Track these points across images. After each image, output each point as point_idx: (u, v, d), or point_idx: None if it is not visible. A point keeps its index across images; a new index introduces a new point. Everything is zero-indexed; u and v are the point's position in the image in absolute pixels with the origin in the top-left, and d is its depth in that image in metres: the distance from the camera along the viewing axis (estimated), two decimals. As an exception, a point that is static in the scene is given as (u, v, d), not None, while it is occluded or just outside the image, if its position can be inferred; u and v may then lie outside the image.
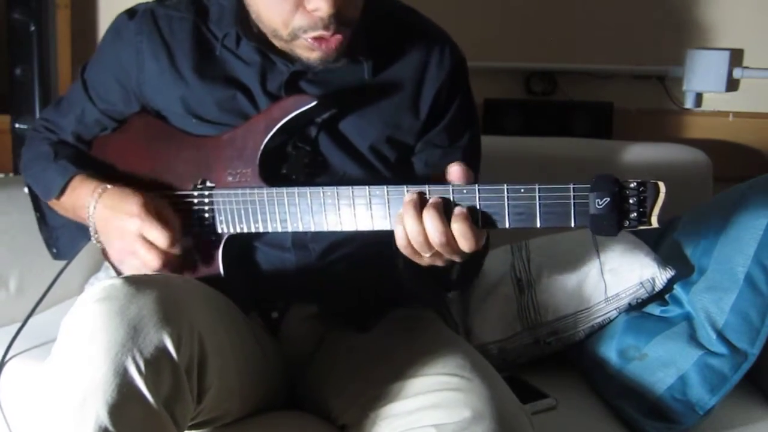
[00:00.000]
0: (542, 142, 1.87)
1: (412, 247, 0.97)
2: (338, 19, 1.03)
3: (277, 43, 1.12)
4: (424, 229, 0.95)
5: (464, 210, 0.94)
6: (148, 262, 1.11)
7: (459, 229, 0.94)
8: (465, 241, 0.94)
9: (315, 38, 1.06)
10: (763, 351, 1.30)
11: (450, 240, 0.95)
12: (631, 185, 0.90)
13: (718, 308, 1.33)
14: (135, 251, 1.11)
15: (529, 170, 1.68)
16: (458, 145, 1.23)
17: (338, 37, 1.06)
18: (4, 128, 2.04)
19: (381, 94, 1.18)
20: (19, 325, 1.34)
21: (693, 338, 1.33)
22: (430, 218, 0.94)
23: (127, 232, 1.10)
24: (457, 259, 0.98)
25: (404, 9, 1.23)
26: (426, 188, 0.97)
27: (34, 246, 1.38)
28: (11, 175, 2.05)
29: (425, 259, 0.99)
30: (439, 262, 1.00)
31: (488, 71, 2.09)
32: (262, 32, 1.14)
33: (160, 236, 1.09)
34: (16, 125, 2.03)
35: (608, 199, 0.90)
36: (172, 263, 1.12)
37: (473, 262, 1.07)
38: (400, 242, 0.98)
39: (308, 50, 1.08)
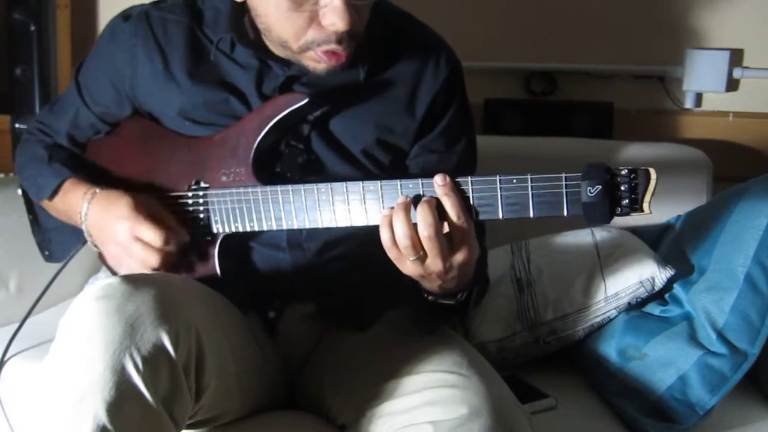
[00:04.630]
0: (542, 142, 1.87)
1: (398, 249, 0.97)
2: (349, 34, 1.04)
3: (280, 52, 1.12)
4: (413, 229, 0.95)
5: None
6: (145, 262, 1.11)
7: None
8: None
9: (326, 51, 1.06)
10: (763, 351, 1.30)
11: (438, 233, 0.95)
12: (623, 172, 0.91)
13: (718, 308, 1.32)
14: (131, 253, 1.11)
15: (529, 170, 1.66)
16: (454, 151, 1.22)
17: (347, 51, 1.07)
18: (4, 128, 2.04)
19: (374, 97, 1.18)
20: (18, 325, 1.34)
21: (693, 338, 1.33)
22: (422, 212, 0.94)
23: (120, 236, 1.11)
24: (438, 264, 0.97)
25: (400, 14, 1.23)
26: (420, 182, 0.98)
27: (33, 246, 1.38)
28: (11, 175, 2.05)
29: (408, 264, 0.98)
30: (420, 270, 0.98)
31: (488, 71, 2.09)
32: (258, 38, 1.14)
33: (152, 236, 1.09)
34: (16, 125, 2.02)
35: (600, 186, 0.90)
36: (170, 261, 1.12)
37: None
38: (386, 242, 0.98)
39: (315, 62, 1.09)
